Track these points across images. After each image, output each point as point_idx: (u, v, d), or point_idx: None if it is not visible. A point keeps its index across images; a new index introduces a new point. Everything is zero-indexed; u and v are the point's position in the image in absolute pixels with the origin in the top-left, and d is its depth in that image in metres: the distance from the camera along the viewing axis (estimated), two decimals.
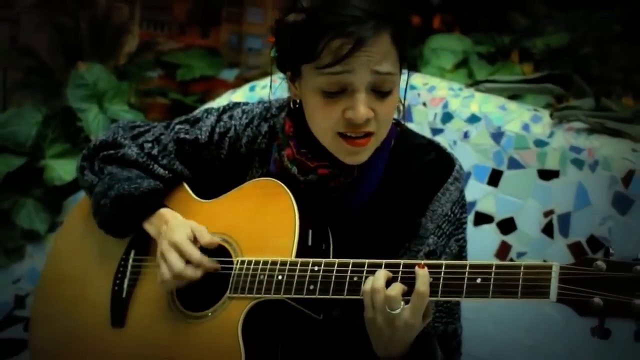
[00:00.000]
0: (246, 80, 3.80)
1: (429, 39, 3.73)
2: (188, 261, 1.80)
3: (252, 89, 3.10)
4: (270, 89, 1.91)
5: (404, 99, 1.83)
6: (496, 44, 3.82)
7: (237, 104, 2.01)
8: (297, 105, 1.81)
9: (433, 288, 1.59)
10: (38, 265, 2.97)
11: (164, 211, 1.91)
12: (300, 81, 1.75)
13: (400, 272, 1.63)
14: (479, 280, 1.56)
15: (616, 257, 1.47)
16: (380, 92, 1.70)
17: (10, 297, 3.12)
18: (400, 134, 1.88)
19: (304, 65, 1.71)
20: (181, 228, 1.84)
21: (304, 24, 1.69)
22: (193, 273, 1.80)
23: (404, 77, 1.78)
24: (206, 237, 1.83)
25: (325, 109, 1.71)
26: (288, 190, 1.79)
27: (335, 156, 1.77)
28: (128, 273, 1.97)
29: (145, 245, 1.95)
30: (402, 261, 1.65)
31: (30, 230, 3.09)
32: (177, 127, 2.00)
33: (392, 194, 1.83)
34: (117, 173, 1.96)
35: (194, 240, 1.83)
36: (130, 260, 1.98)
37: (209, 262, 1.81)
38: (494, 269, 1.55)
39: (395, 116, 1.83)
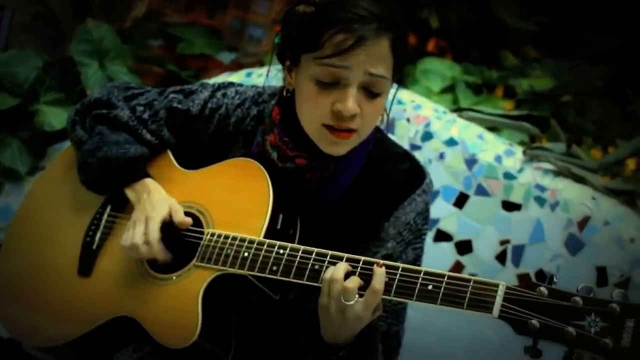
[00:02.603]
0: (241, 66, 3.79)
1: (422, 60, 3.80)
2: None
3: (248, 74, 3.13)
4: (267, 76, 1.96)
5: (389, 110, 1.87)
6: (484, 77, 3.89)
7: (231, 84, 2.04)
8: (289, 94, 1.85)
9: (387, 287, 1.64)
10: (13, 203, 2.97)
11: (148, 181, 1.95)
12: (298, 70, 1.79)
13: (359, 267, 1.68)
14: (430, 287, 1.61)
15: (559, 286, 1.54)
16: (370, 92, 1.75)
17: None
18: (379, 140, 1.92)
19: (304, 54, 1.76)
20: (161, 205, 1.88)
21: (312, 16, 1.74)
22: (146, 252, 1.85)
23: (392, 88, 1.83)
24: (179, 217, 1.87)
25: (317, 98, 1.75)
26: (266, 174, 1.84)
27: (317, 145, 1.80)
28: (101, 227, 2.00)
29: (121, 203, 1.98)
30: (362, 257, 1.69)
31: (11, 168, 3.06)
32: (171, 95, 2.02)
33: (362, 195, 1.88)
34: (107, 135, 1.98)
35: (170, 217, 1.87)
36: (106, 215, 2.01)
37: (160, 251, 1.85)
38: (445, 279, 1.61)
39: (378, 124, 1.86)
